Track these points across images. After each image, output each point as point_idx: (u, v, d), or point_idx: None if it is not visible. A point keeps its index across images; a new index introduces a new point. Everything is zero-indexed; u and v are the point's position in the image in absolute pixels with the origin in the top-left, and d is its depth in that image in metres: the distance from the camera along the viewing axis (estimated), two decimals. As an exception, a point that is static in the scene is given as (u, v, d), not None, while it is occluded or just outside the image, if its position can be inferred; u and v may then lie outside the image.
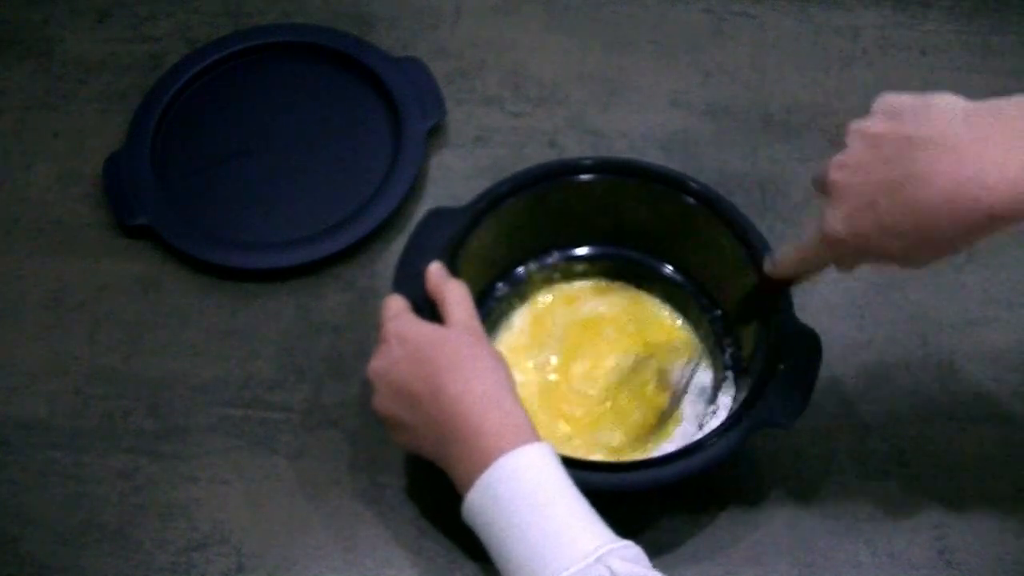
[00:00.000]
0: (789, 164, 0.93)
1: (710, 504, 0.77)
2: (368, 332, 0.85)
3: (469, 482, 0.63)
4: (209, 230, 0.90)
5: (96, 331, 0.87)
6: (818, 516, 0.76)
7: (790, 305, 0.74)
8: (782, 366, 0.71)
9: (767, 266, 0.73)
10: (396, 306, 0.73)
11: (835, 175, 0.62)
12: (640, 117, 0.97)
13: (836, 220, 0.61)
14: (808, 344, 0.73)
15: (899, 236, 0.58)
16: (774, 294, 0.74)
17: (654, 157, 0.93)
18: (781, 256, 0.71)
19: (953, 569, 0.74)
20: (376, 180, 0.91)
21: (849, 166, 0.61)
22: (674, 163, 0.93)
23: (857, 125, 0.62)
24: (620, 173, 0.82)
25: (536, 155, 0.94)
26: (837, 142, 0.93)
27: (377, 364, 0.70)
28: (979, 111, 0.57)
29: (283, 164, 0.94)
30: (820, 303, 0.82)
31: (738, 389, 0.78)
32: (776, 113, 0.97)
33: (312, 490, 0.78)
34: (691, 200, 0.80)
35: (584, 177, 0.82)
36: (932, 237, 0.57)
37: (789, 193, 0.92)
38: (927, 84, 1.03)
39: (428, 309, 0.73)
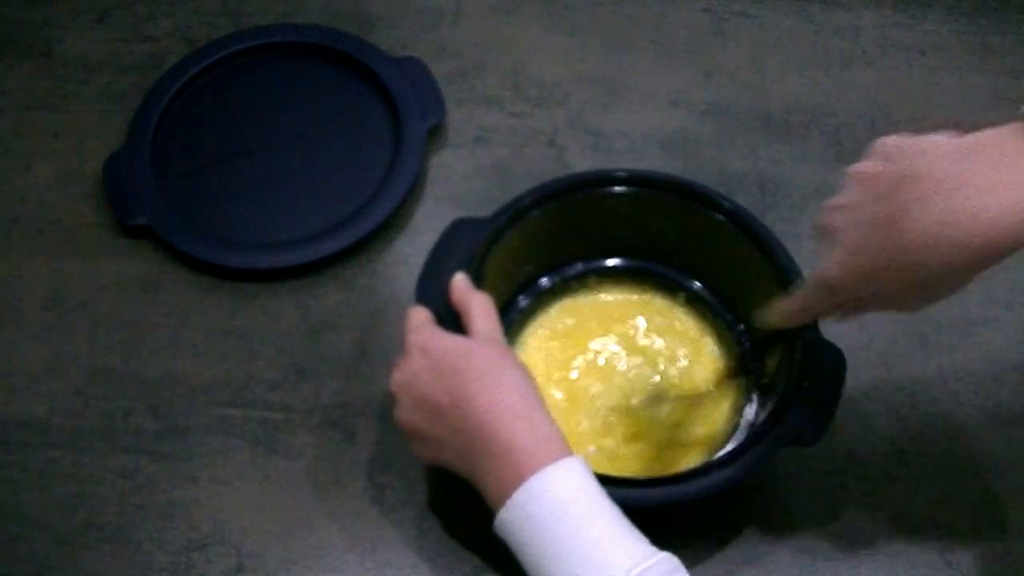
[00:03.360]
0: (789, 164, 0.93)
1: (709, 504, 0.76)
2: (368, 332, 0.85)
3: (500, 499, 0.62)
4: (209, 230, 0.90)
5: (96, 331, 0.87)
6: (818, 516, 0.76)
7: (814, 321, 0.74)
8: (806, 383, 0.71)
9: (761, 320, 0.71)
10: (419, 317, 0.72)
11: (829, 218, 0.62)
12: (640, 117, 0.97)
13: (831, 263, 0.61)
14: (832, 360, 0.73)
15: (893, 274, 0.58)
16: (767, 338, 0.75)
17: (654, 157, 0.94)
18: (776, 311, 0.69)
19: (953, 569, 0.74)
20: (376, 180, 0.91)
21: (842, 207, 0.61)
22: (674, 163, 0.93)
23: (854, 168, 0.61)
24: (647, 186, 0.81)
25: (536, 155, 0.94)
26: (837, 142, 0.94)
27: (399, 376, 0.69)
28: (964, 147, 0.57)
29: (283, 164, 0.94)
30: (820, 303, 0.82)
31: (761, 403, 0.77)
32: (776, 113, 0.97)
33: (312, 490, 0.78)
34: (719, 216, 0.79)
35: (610, 189, 0.81)
36: (923, 275, 0.57)
37: (789, 193, 0.92)
38: (927, 84, 1.03)
39: (452, 320, 0.72)
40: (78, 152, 0.96)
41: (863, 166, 0.61)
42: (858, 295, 0.62)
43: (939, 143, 0.58)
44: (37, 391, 0.84)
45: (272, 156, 0.95)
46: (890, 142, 0.60)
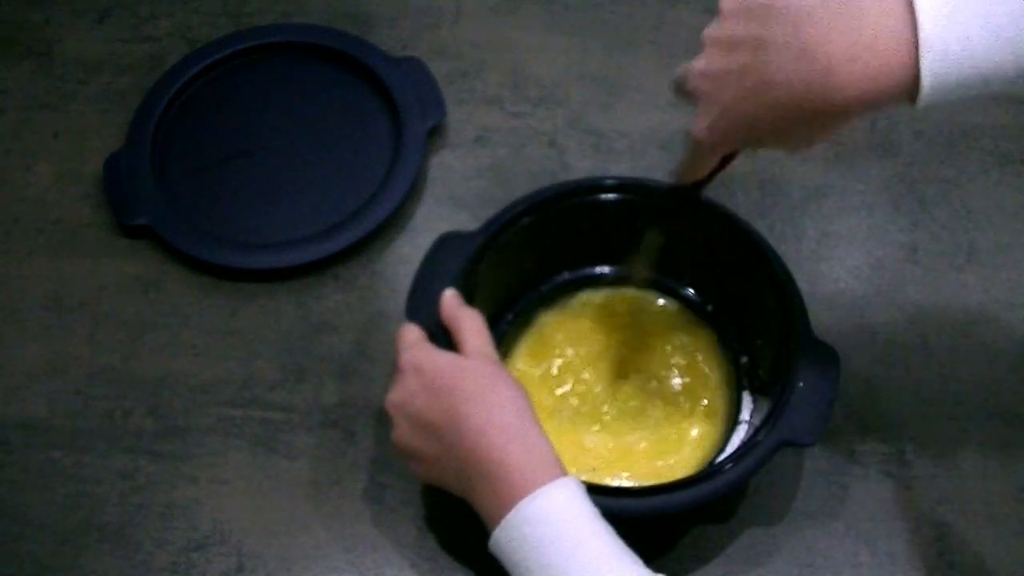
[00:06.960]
0: (789, 164, 0.93)
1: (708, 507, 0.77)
2: (368, 332, 0.85)
3: (494, 520, 0.62)
4: (209, 230, 0.90)
5: (96, 331, 0.87)
6: (818, 516, 0.76)
7: (807, 322, 0.74)
8: (801, 384, 0.71)
9: (674, 178, 0.72)
10: (411, 336, 0.72)
11: (695, 83, 0.63)
12: (640, 117, 0.97)
13: (701, 127, 0.63)
14: (827, 360, 0.73)
15: (763, 133, 0.60)
16: (691, 192, 0.74)
17: (654, 157, 0.94)
18: (681, 171, 0.70)
19: (953, 569, 0.74)
20: (376, 180, 0.91)
21: (708, 75, 0.62)
22: (674, 163, 0.93)
23: (711, 31, 0.62)
24: (633, 193, 0.81)
25: (536, 155, 0.94)
26: (837, 142, 0.94)
27: (394, 396, 0.69)
28: (825, 4, 0.57)
29: (283, 164, 0.94)
30: (820, 303, 0.82)
31: (755, 405, 0.77)
32: (776, 113, 0.97)
33: (312, 490, 0.78)
34: (710, 221, 0.79)
35: (598, 197, 0.81)
36: (793, 132, 0.60)
37: (789, 193, 0.91)
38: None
39: (443, 337, 0.72)
40: (78, 152, 0.96)
41: (718, 29, 0.61)
42: (728, 147, 0.64)
43: (787, 3, 0.58)
44: (37, 391, 0.84)
45: (272, 156, 0.95)
46: (733, 3, 0.61)
